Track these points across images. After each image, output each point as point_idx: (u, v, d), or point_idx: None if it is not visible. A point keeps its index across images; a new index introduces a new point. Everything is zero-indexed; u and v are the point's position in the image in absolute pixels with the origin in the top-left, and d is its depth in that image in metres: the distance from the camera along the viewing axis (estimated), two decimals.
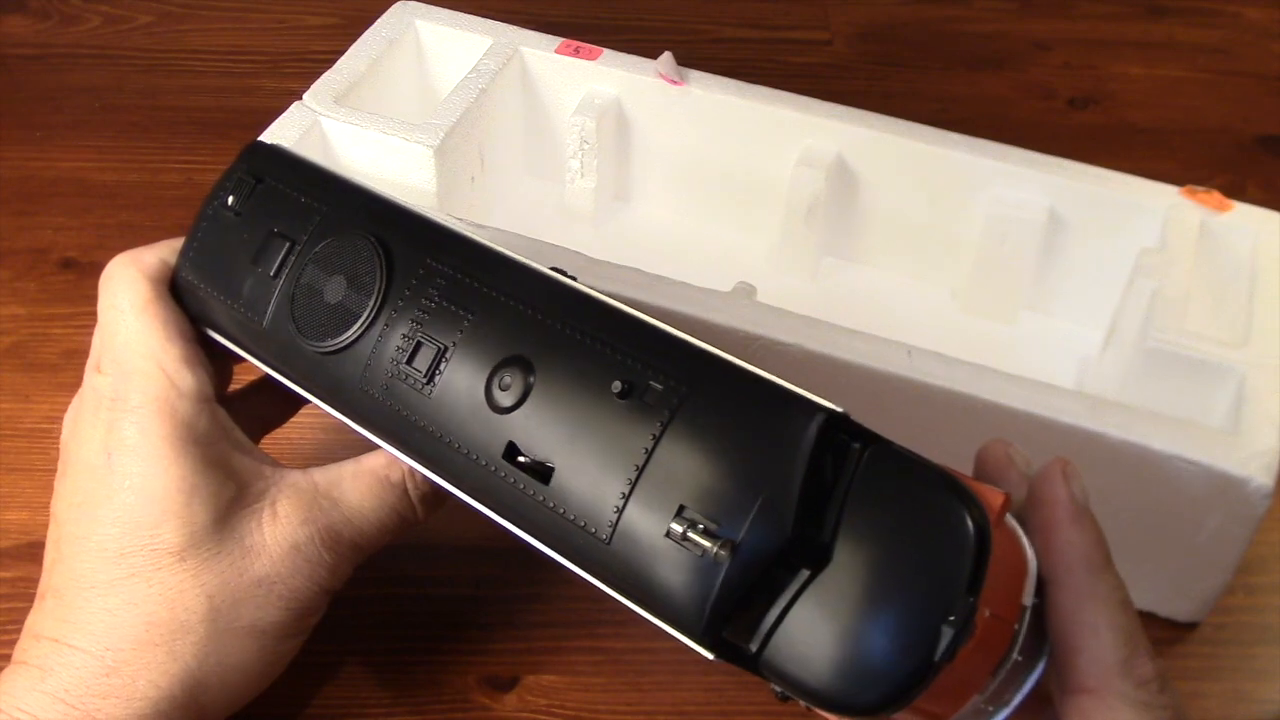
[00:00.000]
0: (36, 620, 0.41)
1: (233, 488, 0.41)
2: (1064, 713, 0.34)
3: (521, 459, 0.35)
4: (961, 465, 0.33)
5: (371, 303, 0.39)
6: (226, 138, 0.71)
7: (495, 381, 0.36)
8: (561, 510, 0.34)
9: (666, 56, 0.61)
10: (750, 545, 0.31)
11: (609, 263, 0.50)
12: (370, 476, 0.42)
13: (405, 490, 0.42)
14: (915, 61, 0.81)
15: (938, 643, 0.29)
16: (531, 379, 0.36)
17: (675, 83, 0.61)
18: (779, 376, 0.33)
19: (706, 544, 0.31)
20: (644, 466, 0.33)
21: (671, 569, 0.32)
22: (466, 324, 0.37)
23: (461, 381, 0.37)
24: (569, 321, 0.36)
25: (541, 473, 0.35)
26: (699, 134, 0.62)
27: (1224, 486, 0.45)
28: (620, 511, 0.33)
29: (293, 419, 0.50)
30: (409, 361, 0.38)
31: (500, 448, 0.36)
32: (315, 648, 0.43)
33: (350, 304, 0.39)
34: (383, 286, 0.39)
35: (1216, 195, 0.56)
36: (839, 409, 0.32)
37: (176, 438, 0.40)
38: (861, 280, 0.63)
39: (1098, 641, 0.33)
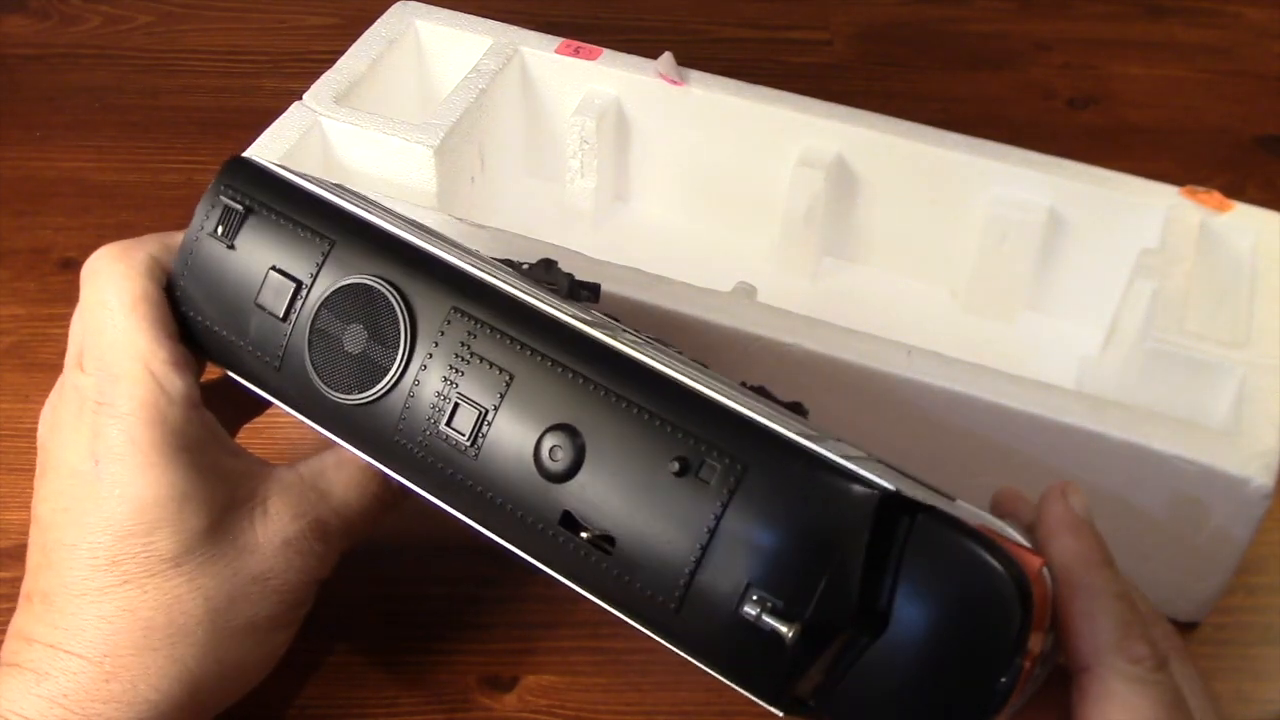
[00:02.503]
0: (26, 623, 0.40)
1: (224, 491, 0.40)
2: (1068, 692, 0.35)
3: (583, 533, 0.35)
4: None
5: (399, 356, 0.38)
6: (226, 138, 0.70)
7: (543, 448, 0.36)
8: (626, 579, 0.35)
9: (666, 56, 0.61)
10: (818, 621, 0.32)
11: (609, 263, 0.50)
12: (352, 466, 0.42)
13: (385, 478, 0.42)
14: (915, 61, 0.81)
15: (991, 701, 0.31)
16: (580, 447, 0.35)
17: (675, 83, 0.61)
18: (832, 452, 0.34)
19: (780, 627, 0.32)
20: (708, 545, 0.34)
21: (741, 641, 0.33)
22: (506, 385, 0.36)
23: (507, 447, 0.36)
24: (613, 388, 0.36)
25: (602, 544, 0.35)
26: (699, 134, 0.62)
27: (1224, 486, 0.45)
28: (688, 586, 0.34)
29: (274, 409, 0.49)
30: (449, 423, 0.37)
31: (556, 515, 0.35)
32: (316, 647, 0.44)
33: (374, 355, 0.38)
34: (408, 337, 0.38)
35: (1216, 195, 0.56)
36: (891, 487, 0.33)
37: (166, 445, 0.39)
38: (861, 280, 0.63)
39: (1092, 626, 0.35)
